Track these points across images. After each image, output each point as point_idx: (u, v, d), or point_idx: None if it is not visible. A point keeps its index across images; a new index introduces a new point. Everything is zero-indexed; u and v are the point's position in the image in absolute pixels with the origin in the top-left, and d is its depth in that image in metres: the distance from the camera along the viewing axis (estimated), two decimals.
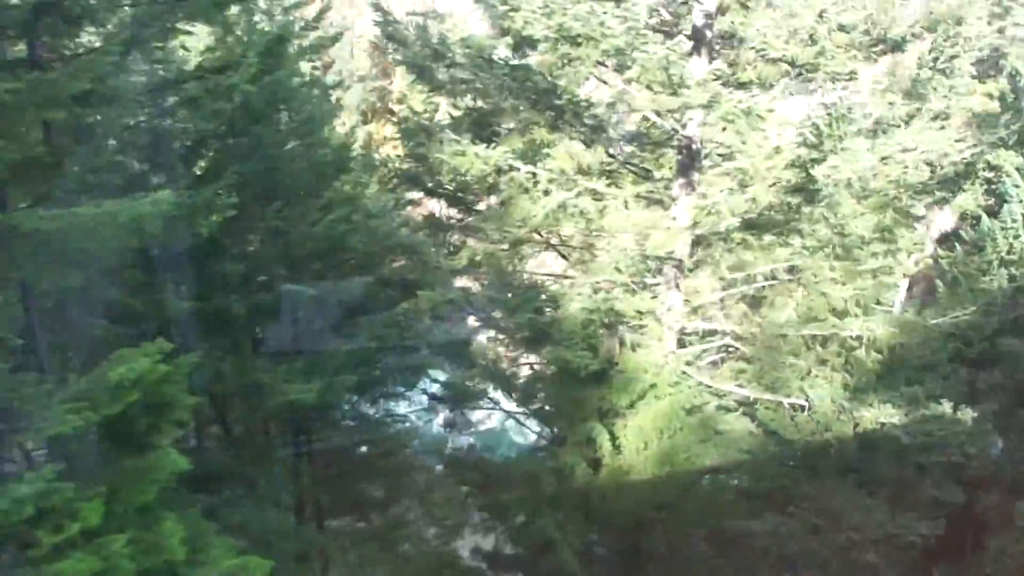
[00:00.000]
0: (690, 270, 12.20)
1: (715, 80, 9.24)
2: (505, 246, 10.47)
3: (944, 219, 31.10)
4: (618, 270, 10.97)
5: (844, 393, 11.14)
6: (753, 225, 12.16)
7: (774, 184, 10.14)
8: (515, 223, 10.18)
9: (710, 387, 12.13)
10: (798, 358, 12.06)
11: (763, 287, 12.33)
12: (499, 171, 9.87)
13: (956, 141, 10.67)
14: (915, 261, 28.76)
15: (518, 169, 10.40)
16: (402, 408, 14.22)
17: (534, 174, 10.46)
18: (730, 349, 12.35)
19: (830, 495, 11.49)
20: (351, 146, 11.63)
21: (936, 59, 26.73)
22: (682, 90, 9.36)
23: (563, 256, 12.74)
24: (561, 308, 10.39)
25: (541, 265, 13.31)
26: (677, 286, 11.67)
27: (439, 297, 10.11)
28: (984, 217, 21.77)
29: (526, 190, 10.39)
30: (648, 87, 9.60)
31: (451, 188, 10.82)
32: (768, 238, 12.16)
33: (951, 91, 26.51)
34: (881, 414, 10.67)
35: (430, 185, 11.00)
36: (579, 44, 8.78)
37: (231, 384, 9.23)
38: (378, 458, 13.50)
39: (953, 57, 26.37)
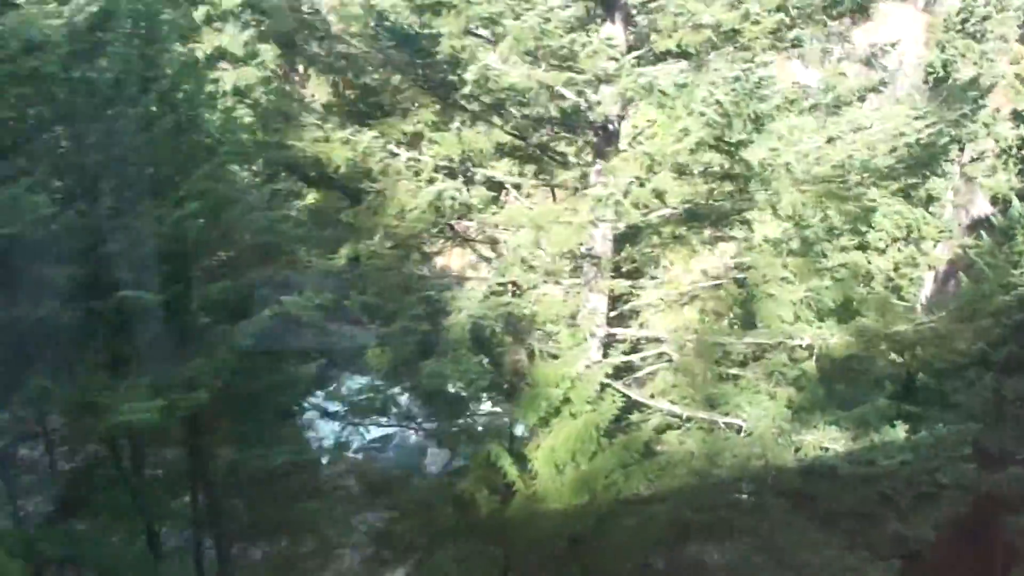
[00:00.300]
0: (617, 269, 11.50)
1: (611, 48, 8.51)
2: (388, 243, 9.82)
3: (982, 203, 29.93)
4: (525, 269, 10.28)
5: (787, 412, 10.35)
6: (694, 216, 11.47)
7: (685, 171, 9.40)
8: (391, 217, 9.55)
9: (641, 404, 11.43)
10: (741, 370, 11.30)
11: (702, 288, 11.55)
12: (371, 158, 9.23)
13: (916, 119, 9.80)
14: (943, 251, 27.73)
15: (397, 155, 9.77)
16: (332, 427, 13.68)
17: (417, 161, 9.82)
18: (668, 359, 11.63)
19: (773, 530, 10.73)
20: (235, 131, 11.06)
21: (965, 21, 25.63)
22: (574, 61, 8.65)
23: (483, 258, 12.13)
24: (452, 315, 9.74)
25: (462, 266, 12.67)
26: (598, 287, 10.96)
27: (305, 302, 9.53)
28: (1016, 201, 20.68)
29: (412, 178, 9.74)
30: (536, 59, 8.92)
31: (336, 178, 10.21)
32: (709, 232, 11.42)
33: (982, 57, 25.43)
34: (824, 438, 9.86)
35: (313, 174, 10.41)
36: (439, 14, 8.13)
37: (58, 404, 8.75)
38: (288, 479, 12.98)
39: (985, 19, 25.28)
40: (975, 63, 26.59)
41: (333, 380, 12.93)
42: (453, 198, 9.22)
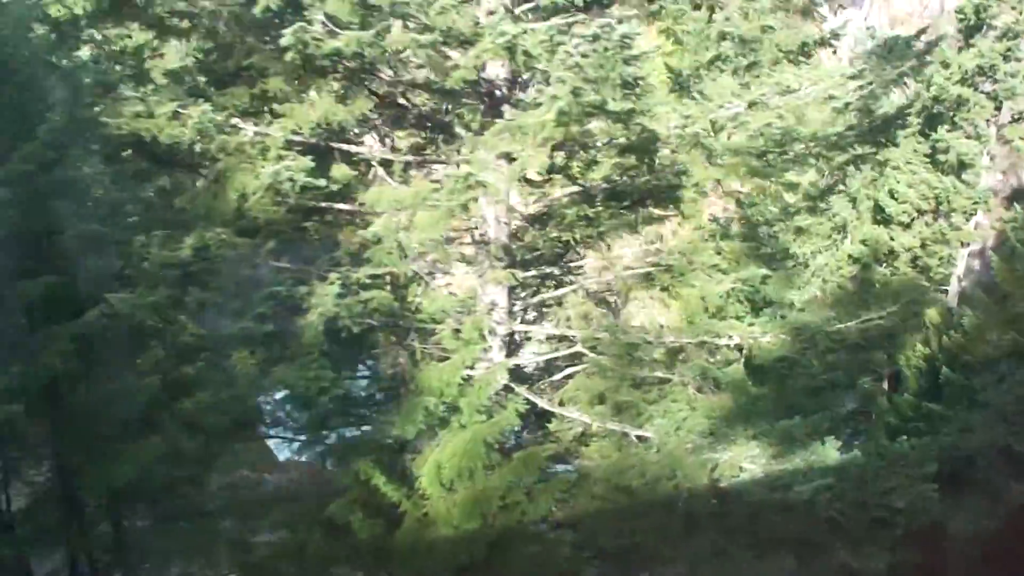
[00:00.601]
0: (523, 258, 10.94)
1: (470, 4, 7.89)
2: (237, 231, 9.28)
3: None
4: (401, 258, 9.71)
5: (706, 425, 9.72)
6: (612, 196, 10.89)
7: (577, 145, 8.78)
8: (234, 201, 9.00)
9: (551, 413, 10.87)
10: (667, 372, 10.69)
11: (621, 280, 10.94)
12: (203, 135, 8.67)
13: (850, 78, 9.05)
14: (975, 225, 26.63)
15: (242, 130, 9.21)
16: None
17: (265, 136, 9.26)
18: (582, 360, 11.05)
19: (699, 560, 10.12)
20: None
21: None
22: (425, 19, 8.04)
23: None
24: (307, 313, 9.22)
25: None
26: (495, 278, 10.38)
27: (138, 300, 9.04)
28: None
29: (258, 156, 9.19)
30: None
31: (180, 157, 9.69)
32: (628, 216, 10.82)
33: None
34: (742, 455, 9.22)
35: (157, 152, 9.87)
36: None
37: None
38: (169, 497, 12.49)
39: None
40: (1015, 6, 25.35)
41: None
42: (292, 180, 8.60)
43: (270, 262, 9.97)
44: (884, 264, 28.67)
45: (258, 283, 9.62)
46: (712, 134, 9.39)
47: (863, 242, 28.18)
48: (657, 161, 9.67)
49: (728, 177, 9.50)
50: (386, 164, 9.94)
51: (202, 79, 9.57)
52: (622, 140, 9.55)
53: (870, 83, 9.11)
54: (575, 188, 10.72)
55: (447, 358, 10.54)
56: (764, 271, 10.74)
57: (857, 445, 13.47)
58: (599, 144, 9.91)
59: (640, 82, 7.89)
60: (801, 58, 10.87)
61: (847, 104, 9.01)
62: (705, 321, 10.59)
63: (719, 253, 10.95)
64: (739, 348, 10.48)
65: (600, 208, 11.12)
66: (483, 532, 10.54)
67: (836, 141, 10.79)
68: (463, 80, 8.94)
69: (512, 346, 11.47)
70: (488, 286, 10.79)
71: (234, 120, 9.49)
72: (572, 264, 11.27)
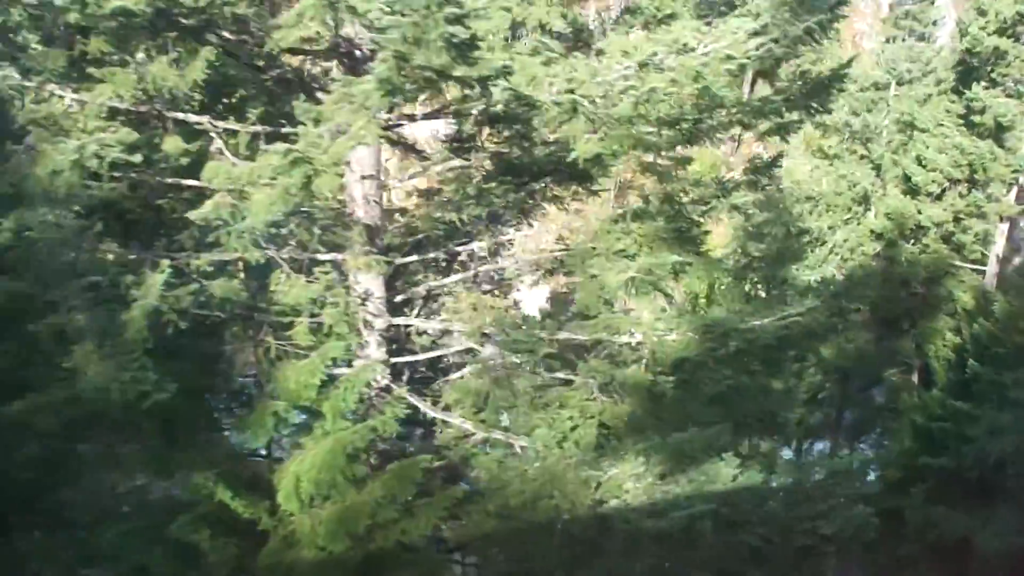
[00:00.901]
0: (402, 241, 10.65)
1: None
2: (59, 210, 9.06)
3: None
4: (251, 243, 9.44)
5: (593, 436, 9.38)
6: (506, 170, 10.58)
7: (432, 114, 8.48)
8: (42, 178, 8.76)
9: (441, 420, 10.63)
10: (557, 375, 10.38)
11: (517, 267, 10.63)
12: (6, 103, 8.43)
13: (751, 35, 8.58)
14: (1016, 196, 25.79)
15: (58, 98, 8.97)
16: None
17: (82, 104, 9.01)
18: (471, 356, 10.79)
19: None
20: None
21: None
22: None
23: None
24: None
25: None
26: (367, 265, 10.09)
27: None
28: None
29: (73, 127, 8.94)
30: None
31: None
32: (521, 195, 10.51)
33: None
34: (627, 473, 8.89)
35: None
36: None
37: None
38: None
39: None
40: None
41: None
42: (99, 156, 8.33)
43: (102, 247, 9.68)
44: (911, 241, 28.14)
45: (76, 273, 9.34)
46: (596, 100, 8.95)
47: (887, 215, 27.62)
48: (536, 133, 9.27)
49: (612, 151, 9.05)
50: (231, 136, 9.61)
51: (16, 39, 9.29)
52: (496, 109, 9.17)
53: (775, 40, 8.60)
54: (457, 162, 10.35)
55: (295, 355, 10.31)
56: (676, 257, 10.25)
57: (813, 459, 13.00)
58: (472, 113, 9.55)
59: (474, 43, 7.47)
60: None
61: (743, 66, 8.52)
62: (605, 316, 10.18)
63: (627, 234, 10.50)
64: (639, 347, 10.05)
65: (494, 185, 10.77)
66: (351, 554, 10.29)
67: (759, 108, 10.33)
68: (301, 39, 8.61)
69: (400, 342, 11.18)
70: (360, 274, 10.48)
71: (50, 86, 9.20)
72: (460, 249, 10.90)
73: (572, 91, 8.97)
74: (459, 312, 10.65)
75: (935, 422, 25.22)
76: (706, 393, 9.87)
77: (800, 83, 10.30)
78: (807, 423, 29.10)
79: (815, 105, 10.34)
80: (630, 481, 9.19)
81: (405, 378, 11.19)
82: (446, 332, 10.86)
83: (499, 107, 9.03)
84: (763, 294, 28.70)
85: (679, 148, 10.92)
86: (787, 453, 31.58)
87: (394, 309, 11.03)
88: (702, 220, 11.77)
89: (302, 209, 10.15)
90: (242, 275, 10.29)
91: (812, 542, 10.07)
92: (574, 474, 9.39)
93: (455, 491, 10.51)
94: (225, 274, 10.07)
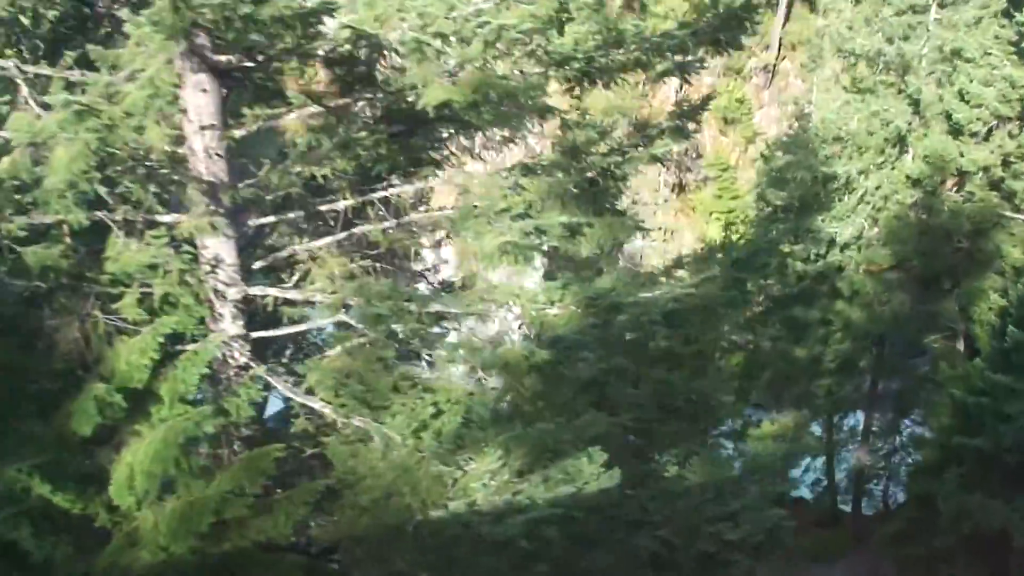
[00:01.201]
0: (254, 200, 10.46)
1: None
2: None
3: None
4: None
5: (456, 424, 9.15)
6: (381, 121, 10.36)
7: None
8: None
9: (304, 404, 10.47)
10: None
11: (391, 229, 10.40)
12: None
13: None
14: None
15: None
16: None
17: None
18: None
19: None
20: None
21: None
22: None
23: None
24: None
25: None
26: (212, 226, 9.89)
27: None
28: None
29: None
30: None
31: None
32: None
33: None
34: (482, 469, 8.67)
35: None
36: None
37: None
38: None
39: None
40: None
41: None
42: None
43: None
44: (953, 188, 27.35)
45: None
46: (448, 38, 8.63)
47: (926, 158, 26.81)
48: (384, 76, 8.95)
49: (466, 98, 8.69)
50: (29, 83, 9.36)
51: None
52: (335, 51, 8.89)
53: None
54: (314, 108, 10.05)
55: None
56: (563, 218, 9.89)
57: None
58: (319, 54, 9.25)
59: None
60: None
61: None
62: (482, 286, 9.87)
63: (516, 189, 10.17)
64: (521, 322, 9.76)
65: (364, 135, 10.48)
66: (198, 556, 10.16)
67: (659, 44, 9.90)
68: None
69: (263, 314, 10.97)
70: (207, 237, 10.26)
71: None
72: (326, 210, 10.62)
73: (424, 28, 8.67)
74: (320, 281, 10.39)
75: (974, 397, 24.61)
76: (581, 377, 9.53)
77: (714, 14, 9.82)
78: (836, 395, 28.64)
79: (726, 39, 9.88)
80: (486, 477, 8.91)
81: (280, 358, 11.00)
82: (308, 303, 10.61)
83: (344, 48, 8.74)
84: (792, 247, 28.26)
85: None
86: (816, 428, 31.29)
87: (253, 277, 10.79)
88: (616, 173, 11.40)
89: (136, 164, 9.91)
90: (68, 240, 10.06)
91: (715, 548, 9.74)
92: (427, 469, 9.14)
93: (316, 485, 10.31)
94: (49, 239, 9.88)
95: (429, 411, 9.62)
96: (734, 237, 37.09)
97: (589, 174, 11.11)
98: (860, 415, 31.21)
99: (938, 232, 26.73)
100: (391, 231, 10.73)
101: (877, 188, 27.00)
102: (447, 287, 11.10)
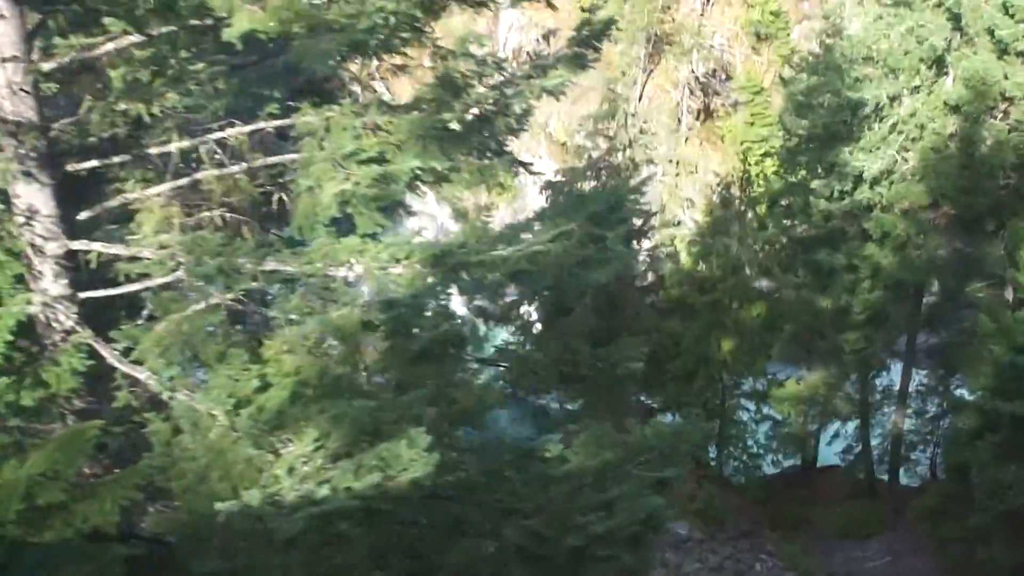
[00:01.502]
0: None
1: None
2: None
3: None
4: None
5: (285, 399, 9.03)
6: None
7: None
8: None
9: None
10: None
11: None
12: None
13: None
14: None
15: None
16: None
17: None
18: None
19: None
20: None
21: None
22: None
23: None
24: None
25: None
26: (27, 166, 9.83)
27: None
28: None
29: None
30: None
31: None
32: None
33: None
34: (296, 453, 8.51)
35: None
36: None
37: None
38: None
39: None
40: None
41: None
42: None
43: None
44: (997, 115, 26.53)
45: None
46: None
47: (967, 82, 25.97)
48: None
49: (276, 29, 8.42)
50: None
51: None
52: None
53: None
54: (136, 38, 9.82)
55: None
56: (416, 163, 9.60)
57: None
58: None
59: None
60: None
61: None
62: (323, 242, 9.64)
63: (368, 129, 9.90)
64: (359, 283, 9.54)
65: (200, 68, 10.23)
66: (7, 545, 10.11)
67: None
68: None
69: (93, 272, 10.81)
70: (18, 185, 10.10)
71: None
72: (156, 153, 10.40)
73: None
74: (148, 234, 10.20)
75: (1014, 354, 24.08)
76: (413, 348, 9.26)
77: None
78: (866, 351, 28.19)
79: None
80: (299, 463, 8.71)
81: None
82: (136, 259, 10.41)
83: None
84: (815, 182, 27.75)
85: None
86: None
87: (79, 230, 10.62)
88: (505, 110, 11.07)
89: None
90: None
91: (583, 542, 9.49)
92: (240, 452, 8.96)
93: (143, 466, 10.20)
94: None
95: (254, 384, 9.43)
96: (768, 170, 36.53)
97: (473, 111, 10.78)
98: (897, 374, 30.73)
99: (980, 166, 26.07)
100: (232, 178, 10.49)
101: (911, 115, 26.36)
102: (294, 243, 10.87)
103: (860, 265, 27.29)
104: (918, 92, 26.45)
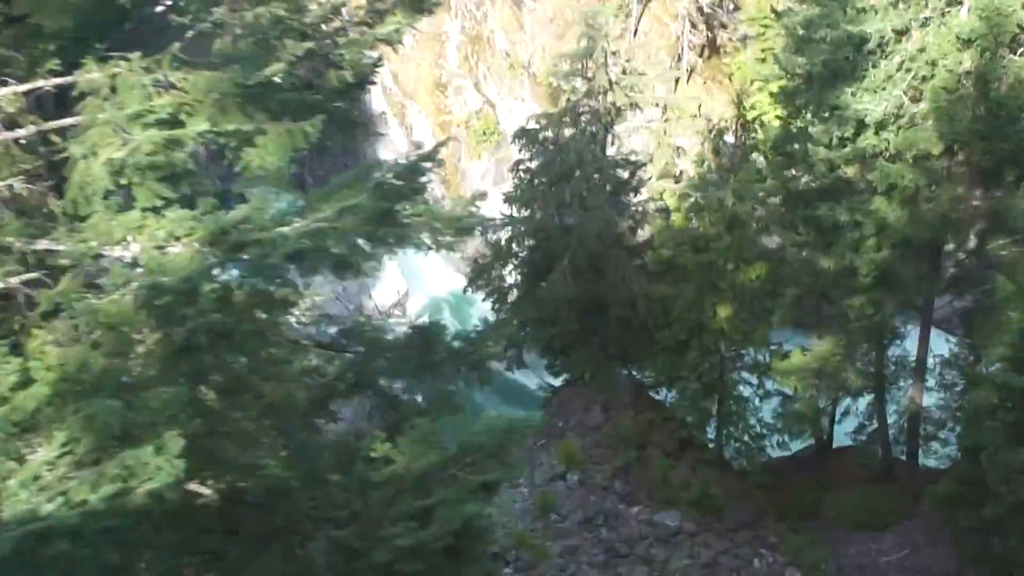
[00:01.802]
0: None
1: None
2: None
3: None
4: None
5: (44, 398, 8.91)
6: None
7: None
8: None
9: None
10: None
11: None
12: None
13: None
14: None
15: None
16: None
17: None
18: None
19: None
20: None
21: None
22: None
23: None
24: None
25: None
26: None
27: None
28: None
29: None
30: None
31: None
32: None
33: None
34: (41, 460, 8.41)
35: None
36: None
37: None
38: None
39: None
40: None
41: None
42: None
43: None
44: (1017, 51, 25.87)
45: None
46: None
47: (982, 13, 25.31)
48: None
49: None
50: None
51: None
52: None
53: None
54: None
55: None
56: (203, 126, 9.39)
57: None
58: None
59: None
60: None
61: None
62: (97, 218, 9.45)
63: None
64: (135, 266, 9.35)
65: None
66: None
67: None
68: None
69: None
70: None
71: None
72: None
73: None
74: None
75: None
76: (176, 341, 9.03)
77: None
78: (873, 317, 27.80)
79: None
80: (43, 470, 8.55)
81: None
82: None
83: None
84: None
85: None
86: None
87: None
88: (337, 62, 10.85)
89: None
90: None
91: (389, 556, 9.29)
92: None
93: None
94: None
95: (12, 380, 9.26)
96: (771, 114, 35.93)
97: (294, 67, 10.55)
98: (913, 344, 30.28)
99: (999, 108, 25.54)
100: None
101: (920, 51, 25.86)
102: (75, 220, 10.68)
103: (864, 221, 26.84)
104: (928, 25, 25.92)
